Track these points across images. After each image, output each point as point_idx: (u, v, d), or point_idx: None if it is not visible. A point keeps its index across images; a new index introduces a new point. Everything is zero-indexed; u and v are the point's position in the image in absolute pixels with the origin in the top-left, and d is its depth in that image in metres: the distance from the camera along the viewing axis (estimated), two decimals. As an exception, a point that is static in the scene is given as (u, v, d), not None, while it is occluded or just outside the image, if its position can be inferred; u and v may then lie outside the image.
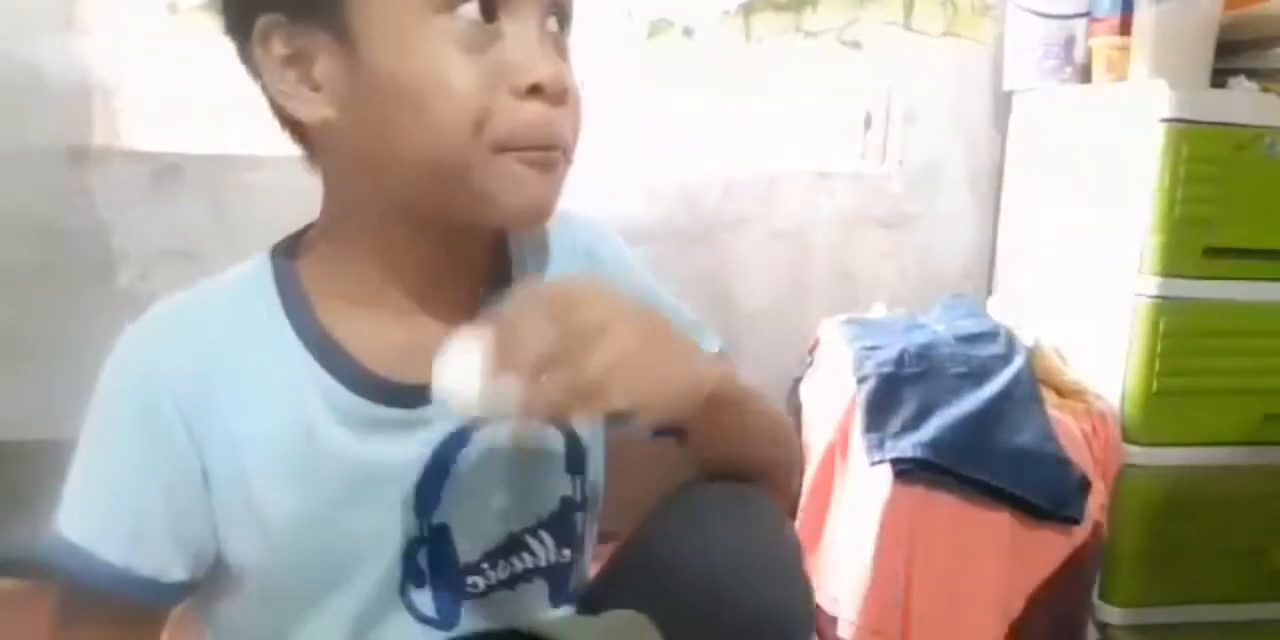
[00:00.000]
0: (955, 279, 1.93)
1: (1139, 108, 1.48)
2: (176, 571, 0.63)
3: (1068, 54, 1.75)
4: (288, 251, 0.68)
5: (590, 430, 0.74)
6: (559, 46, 0.64)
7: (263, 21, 0.60)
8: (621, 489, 0.81)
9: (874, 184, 1.90)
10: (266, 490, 0.63)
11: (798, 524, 1.54)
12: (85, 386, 0.65)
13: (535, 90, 0.59)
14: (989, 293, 1.91)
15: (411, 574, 0.68)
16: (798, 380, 1.75)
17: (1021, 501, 1.39)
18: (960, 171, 1.93)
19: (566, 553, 0.73)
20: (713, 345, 0.78)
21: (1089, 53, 1.71)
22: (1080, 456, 1.43)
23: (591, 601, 0.73)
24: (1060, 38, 1.75)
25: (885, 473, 1.39)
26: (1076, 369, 1.60)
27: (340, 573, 0.66)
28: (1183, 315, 1.46)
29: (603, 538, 0.79)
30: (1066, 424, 1.46)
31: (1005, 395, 1.46)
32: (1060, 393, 1.55)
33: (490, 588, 0.70)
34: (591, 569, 0.79)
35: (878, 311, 1.79)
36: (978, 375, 1.49)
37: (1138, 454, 1.49)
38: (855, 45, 1.84)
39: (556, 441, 0.73)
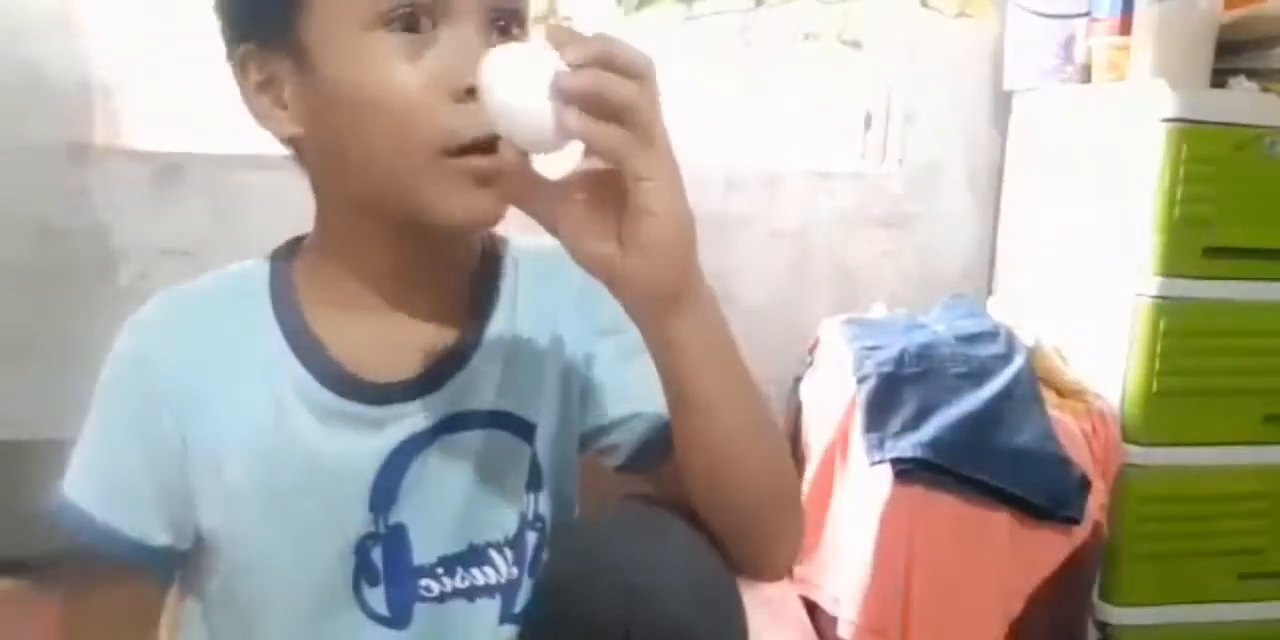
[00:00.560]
0: (955, 279, 1.93)
1: (1139, 108, 1.48)
2: (160, 536, 0.69)
3: (1068, 54, 1.75)
4: (286, 254, 0.73)
5: (550, 451, 0.74)
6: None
7: (241, 50, 0.66)
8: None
9: (874, 184, 1.90)
10: (236, 469, 0.68)
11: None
12: (85, 386, 0.69)
13: (473, 92, 0.59)
14: (989, 293, 1.91)
15: (365, 569, 0.70)
16: (798, 380, 1.75)
17: (1021, 501, 1.39)
18: (960, 171, 1.93)
19: (516, 571, 0.73)
20: None
21: (1089, 53, 1.70)
22: (1080, 456, 1.43)
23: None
24: (1060, 37, 1.75)
25: (885, 473, 1.39)
26: (1077, 369, 1.59)
27: (298, 555, 0.69)
28: (1183, 315, 1.46)
29: None
30: (1066, 424, 1.46)
31: (1005, 395, 1.46)
32: (1060, 392, 1.55)
33: (445, 595, 0.71)
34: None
35: (878, 311, 1.79)
36: (978, 375, 1.49)
37: (1138, 454, 1.49)
38: (855, 45, 1.84)
39: (520, 456, 0.73)
